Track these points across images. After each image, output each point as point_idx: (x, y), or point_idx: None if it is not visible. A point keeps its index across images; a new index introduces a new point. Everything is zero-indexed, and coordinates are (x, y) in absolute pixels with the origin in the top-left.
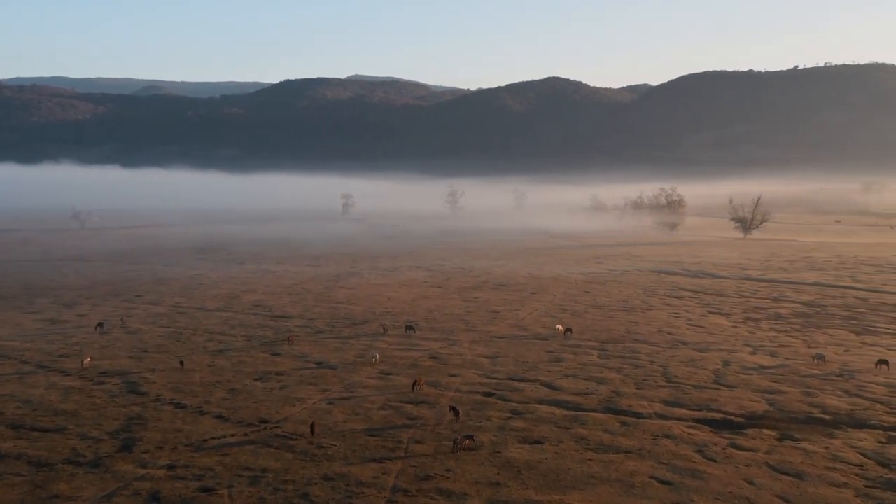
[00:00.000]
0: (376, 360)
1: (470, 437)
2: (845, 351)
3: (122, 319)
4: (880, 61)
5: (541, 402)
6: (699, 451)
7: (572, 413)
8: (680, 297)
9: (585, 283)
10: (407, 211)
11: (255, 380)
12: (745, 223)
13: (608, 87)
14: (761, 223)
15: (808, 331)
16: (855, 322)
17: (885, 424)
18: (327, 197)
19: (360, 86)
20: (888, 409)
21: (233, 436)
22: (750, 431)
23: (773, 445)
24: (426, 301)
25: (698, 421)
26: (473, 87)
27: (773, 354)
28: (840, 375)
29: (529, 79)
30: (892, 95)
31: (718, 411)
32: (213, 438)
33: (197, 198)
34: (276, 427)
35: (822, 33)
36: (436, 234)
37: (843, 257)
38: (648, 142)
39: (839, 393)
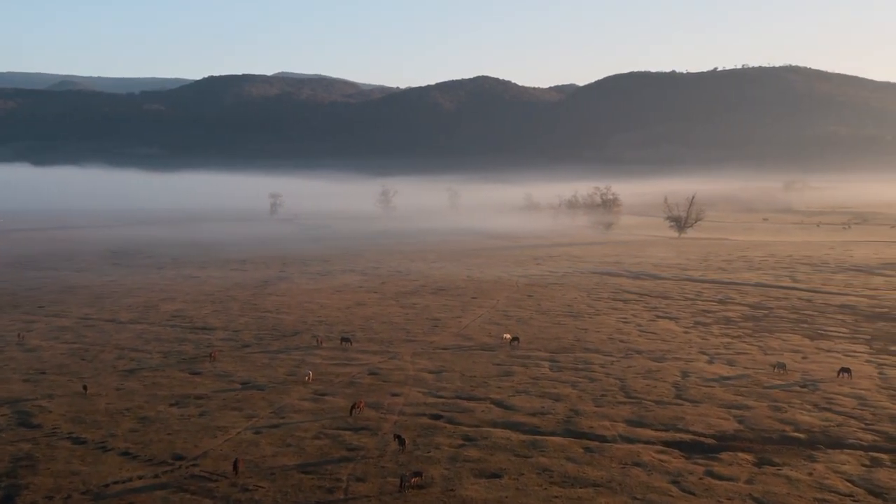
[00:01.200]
0: (309, 379)
1: (418, 474)
2: (803, 358)
3: (19, 335)
4: (793, 64)
5: (494, 424)
6: (675, 482)
7: (530, 437)
8: (626, 301)
9: (528, 287)
10: (339, 211)
11: (171, 405)
12: (680, 222)
13: (536, 86)
14: (696, 222)
15: (760, 336)
16: (805, 325)
17: (864, 443)
18: (254, 197)
19: (287, 83)
20: (863, 426)
21: (140, 478)
22: (724, 456)
23: (752, 473)
24: (362, 308)
25: (667, 444)
26: (403, 86)
27: (731, 363)
28: (804, 386)
29: (459, 77)
30: (804, 97)
31: (686, 431)
32: (117, 483)
33: (113, 198)
34: (192, 465)
35: (740, 36)
36: (369, 235)
37: (777, 256)
38: (576, 141)
39: (808, 407)
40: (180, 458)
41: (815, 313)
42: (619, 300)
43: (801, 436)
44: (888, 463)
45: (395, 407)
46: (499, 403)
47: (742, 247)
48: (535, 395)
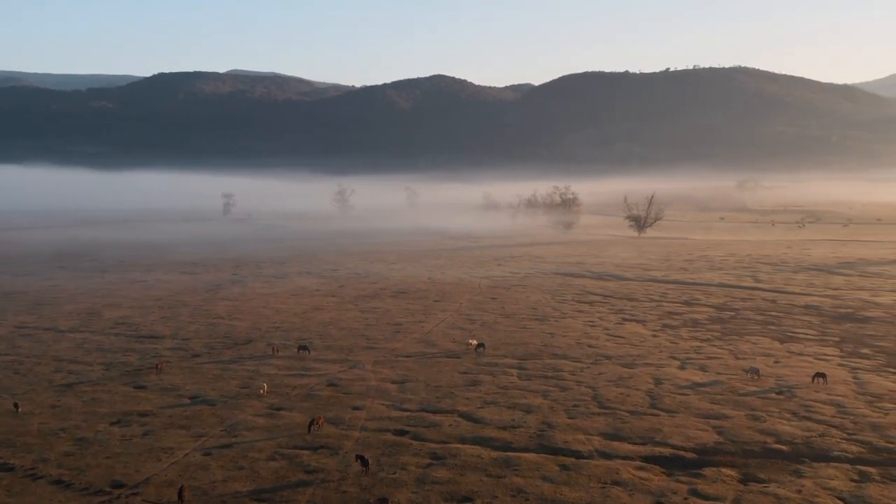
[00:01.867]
0: (264, 391)
1: (384, 501)
2: (775, 362)
3: None
4: (743, 65)
5: (463, 440)
6: None
7: (502, 454)
8: (591, 303)
9: (490, 289)
10: (294, 211)
11: (112, 424)
12: (640, 221)
13: (492, 85)
14: (655, 221)
15: (729, 339)
16: (773, 327)
17: (850, 456)
18: (206, 196)
19: (241, 80)
20: (845, 435)
21: None
22: (707, 472)
23: (738, 491)
24: (320, 313)
25: (646, 459)
26: (358, 84)
27: (703, 369)
28: (780, 393)
29: (415, 76)
30: (753, 97)
31: (665, 444)
32: None
33: (59, 198)
34: (133, 494)
35: (692, 37)
36: (326, 235)
37: (738, 255)
38: (532, 140)
39: (787, 415)
40: (119, 485)
41: (782, 314)
42: (585, 302)
43: (784, 448)
44: (877, 477)
45: (357, 422)
46: (467, 416)
47: (702, 246)
48: (504, 407)
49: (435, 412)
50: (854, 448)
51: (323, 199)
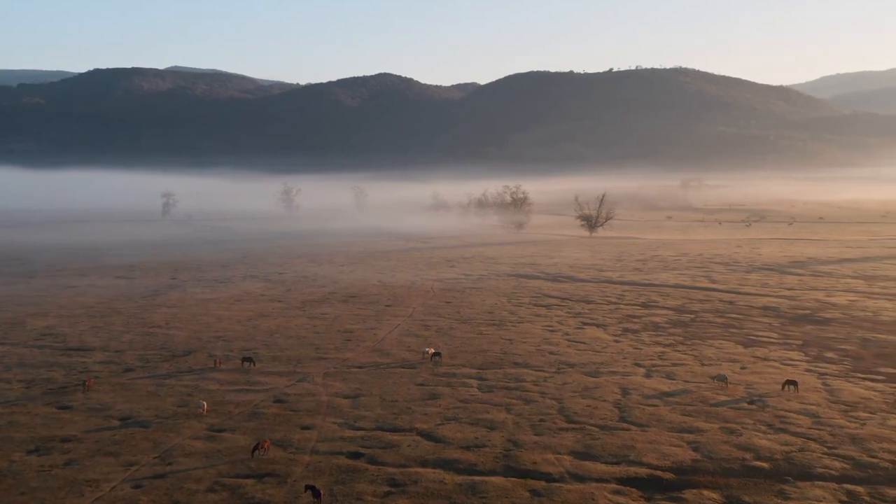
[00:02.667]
0: (204, 410)
1: None
2: (742, 369)
3: None
4: (683, 66)
5: (424, 463)
6: None
7: (467, 479)
8: (548, 306)
9: (444, 292)
10: (238, 211)
11: (30, 452)
12: (591, 221)
13: (439, 84)
14: (606, 221)
15: (692, 343)
16: (735, 331)
17: (834, 473)
18: (145, 196)
19: (181, 77)
20: (825, 449)
21: None
22: (688, 494)
23: None
24: (265, 320)
25: (622, 481)
26: (303, 82)
27: (669, 377)
28: (752, 402)
29: (361, 74)
30: (694, 98)
31: (641, 464)
32: None
33: None
34: None
35: (634, 39)
36: (272, 236)
37: (689, 255)
38: (479, 139)
39: (762, 428)
40: None
41: (741, 316)
42: (542, 305)
43: (765, 465)
44: (866, 497)
45: (307, 444)
46: (427, 435)
47: (653, 246)
48: (466, 423)
49: (392, 430)
50: (837, 464)
51: (268, 200)
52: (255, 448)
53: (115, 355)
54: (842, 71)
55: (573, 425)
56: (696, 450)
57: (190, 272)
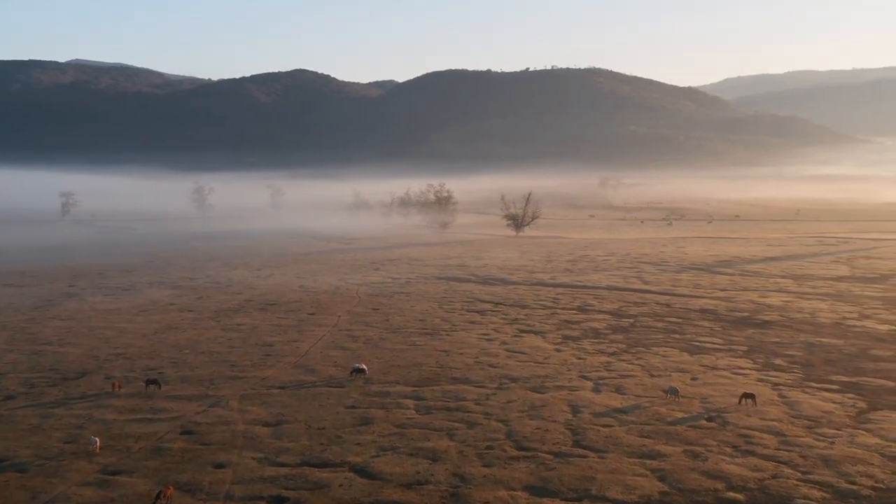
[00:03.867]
0: (97, 448)
1: None
2: (693, 379)
3: None
4: (597, 66)
5: None
6: None
7: None
8: (482, 312)
9: (370, 298)
10: (146, 211)
11: None
12: (518, 220)
13: (356, 81)
14: (533, 220)
15: (637, 351)
16: (677, 336)
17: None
18: (42, 195)
19: (84, 71)
20: (800, 475)
21: None
22: None
23: None
24: (174, 333)
25: None
26: (215, 77)
27: (619, 391)
28: (710, 419)
29: (275, 70)
30: (607, 98)
31: (604, 499)
32: None
33: None
34: None
35: (550, 39)
36: (182, 238)
37: (618, 254)
38: (399, 137)
39: (728, 450)
40: None
41: (680, 320)
42: (475, 311)
43: (739, 496)
44: None
45: (220, 488)
46: (361, 470)
47: (580, 245)
48: (405, 454)
49: (321, 466)
50: (816, 493)
51: (178, 199)
52: (158, 496)
53: None
54: (743, 73)
55: (524, 453)
56: (662, 479)
57: (90, 278)
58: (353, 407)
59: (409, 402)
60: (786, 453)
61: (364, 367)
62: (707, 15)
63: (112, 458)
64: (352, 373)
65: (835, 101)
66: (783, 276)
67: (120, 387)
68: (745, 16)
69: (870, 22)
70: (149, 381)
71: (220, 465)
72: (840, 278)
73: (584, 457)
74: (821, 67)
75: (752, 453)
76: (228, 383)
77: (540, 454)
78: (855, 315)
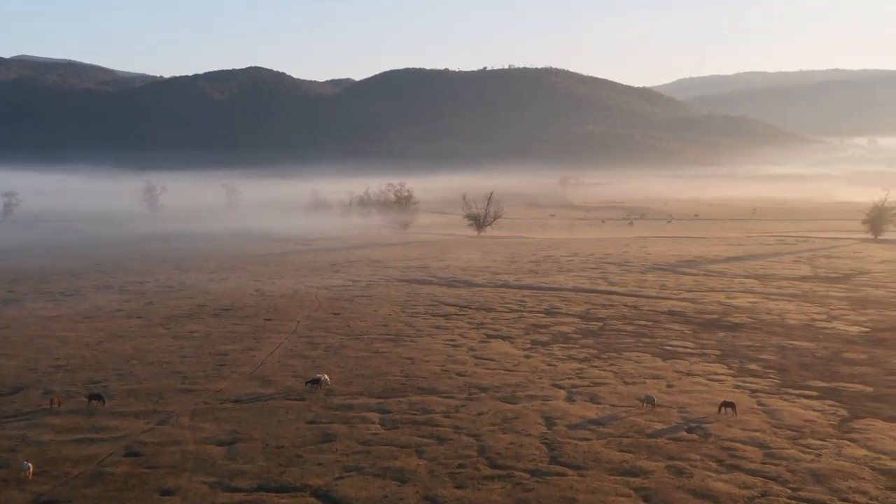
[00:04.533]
0: (30, 474)
1: None
2: (668, 387)
3: None
4: (553, 66)
5: None
6: None
7: None
8: (447, 316)
9: (330, 302)
10: (94, 211)
11: None
12: (479, 220)
13: (312, 79)
14: (495, 220)
15: (608, 357)
16: (648, 340)
17: None
18: None
19: (29, 67)
20: (790, 492)
21: None
22: None
23: None
24: (120, 342)
25: None
26: (167, 74)
27: (594, 400)
28: (691, 431)
29: (230, 67)
30: (564, 97)
31: None
32: None
33: None
34: None
35: (506, 38)
36: (132, 240)
37: (581, 255)
38: (357, 136)
39: (712, 465)
40: None
41: (650, 323)
42: (440, 315)
43: None
44: None
45: None
46: (323, 495)
47: (543, 245)
48: (371, 474)
49: (279, 490)
50: None
51: (128, 198)
52: None
53: None
54: (695, 74)
55: (499, 471)
56: (646, 499)
57: (31, 283)
58: (313, 422)
59: (374, 416)
60: (773, 468)
61: (322, 376)
62: (660, 15)
63: (47, 485)
64: (307, 384)
65: (783, 102)
66: (747, 276)
67: (59, 403)
68: (696, 16)
69: (815, 25)
70: (91, 397)
71: (167, 492)
72: (803, 278)
73: (563, 475)
74: (769, 69)
75: (738, 468)
76: (179, 397)
77: (515, 473)
78: (824, 316)
